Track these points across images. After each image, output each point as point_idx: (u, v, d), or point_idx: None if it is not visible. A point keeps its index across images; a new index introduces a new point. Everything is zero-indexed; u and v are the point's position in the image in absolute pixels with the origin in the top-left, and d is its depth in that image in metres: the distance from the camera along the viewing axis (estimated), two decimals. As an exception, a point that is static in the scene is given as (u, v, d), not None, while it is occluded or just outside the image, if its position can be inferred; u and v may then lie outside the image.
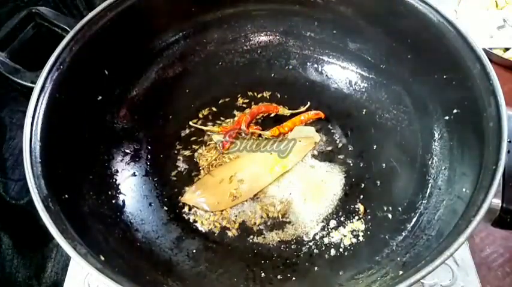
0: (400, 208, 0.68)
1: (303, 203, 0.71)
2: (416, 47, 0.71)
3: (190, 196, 0.72)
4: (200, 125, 0.80)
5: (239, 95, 0.84)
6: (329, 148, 0.78)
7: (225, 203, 0.72)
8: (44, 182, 0.55)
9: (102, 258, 0.52)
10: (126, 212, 0.69)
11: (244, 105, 0.83)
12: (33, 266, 0.82)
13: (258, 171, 0.74)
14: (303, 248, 0.67)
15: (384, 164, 0.74)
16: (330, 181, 0.73)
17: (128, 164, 0.74)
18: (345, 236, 0.68)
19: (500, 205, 0.56)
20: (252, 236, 0.69)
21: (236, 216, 0.71)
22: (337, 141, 0.78)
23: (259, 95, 0.84)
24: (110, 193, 0.69)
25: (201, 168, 0.76)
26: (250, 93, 0.84)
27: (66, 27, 0.69)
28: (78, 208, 0.61)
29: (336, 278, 0.62)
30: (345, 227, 0.69)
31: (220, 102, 0.84)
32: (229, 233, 0.69)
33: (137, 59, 0.78)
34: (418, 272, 0.48)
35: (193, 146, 0.78)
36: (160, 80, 0.82)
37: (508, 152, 0.55)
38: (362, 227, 0.68)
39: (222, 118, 0.82)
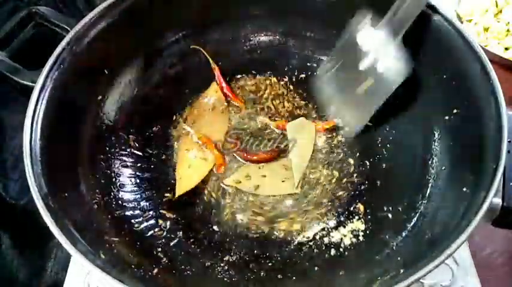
0: (400, 208, 0.68)
1: (302, 203, 0.71)
2: (416, 47, 0.71)
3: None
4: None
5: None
6: (329, 148, 0.78)
7: None
8: (44, 180, 0.55)
9: (103, 256, 0.52)
10: (126, 211, 0.69)
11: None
12: (33, 266, 0.82)
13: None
14: (303, 248, 0.67)
15: (384, 164, 0.74)
16: (330, 181, 0.74)
17: (128, 163, 0.74)
18: (345, 236, 0.68)
19: (500, 204, 0.56)
20: (252, 237, 0.69)
21: (236, 217, 0.71)
22: (337, 142, 0.78)
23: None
24: (109, 192, 0.69)
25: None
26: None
27: (66, 27, 0.70)
28: (78, 207, 0.61)
29: (336, 278, 0.62)
30: (345, 227, 0.69)
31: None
32: (230, 234, 0.69)
33: (137, 59, 0.78)
34: (418, 271, 0.48)
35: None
36: (161, 80, 0.81)
37: (508, 152, 0.55)
38: (362, 227, 0.68)
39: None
